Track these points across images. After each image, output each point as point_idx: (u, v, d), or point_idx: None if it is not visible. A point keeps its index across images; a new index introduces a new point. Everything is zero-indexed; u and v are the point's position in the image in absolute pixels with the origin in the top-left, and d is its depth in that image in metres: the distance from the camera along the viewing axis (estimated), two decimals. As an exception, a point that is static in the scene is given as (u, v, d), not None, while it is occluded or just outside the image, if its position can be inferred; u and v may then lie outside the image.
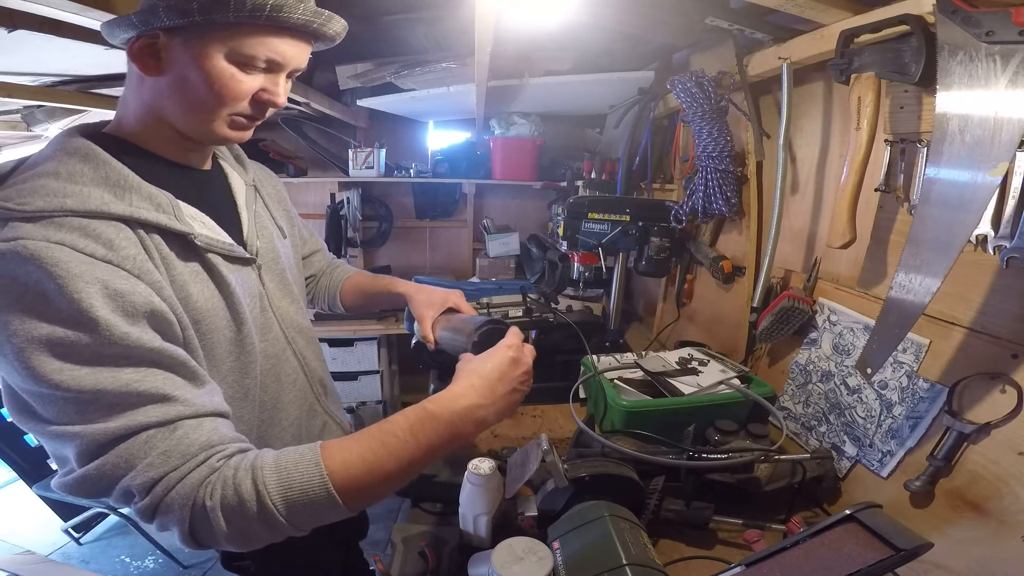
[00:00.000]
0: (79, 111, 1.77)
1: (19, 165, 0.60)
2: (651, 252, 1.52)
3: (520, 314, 1.54)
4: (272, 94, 0.68)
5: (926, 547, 0.60)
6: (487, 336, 0.79)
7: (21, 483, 2.14)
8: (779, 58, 1.10)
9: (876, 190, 0.94)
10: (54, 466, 2.28)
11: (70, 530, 2.20)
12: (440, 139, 2.76)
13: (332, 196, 2.53)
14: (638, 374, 1.22)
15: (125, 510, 2.07)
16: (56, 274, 0.50)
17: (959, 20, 0.68)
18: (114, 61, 1.25)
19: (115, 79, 1.51)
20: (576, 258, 1.60)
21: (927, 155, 0.78)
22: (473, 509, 0.83)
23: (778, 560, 0.65)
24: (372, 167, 2.42)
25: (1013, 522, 0.72)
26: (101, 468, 0.52)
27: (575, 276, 1.63)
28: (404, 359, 2.75)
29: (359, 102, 2.17)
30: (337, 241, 2.48)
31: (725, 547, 0.90)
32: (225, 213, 0.77)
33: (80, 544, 2.23)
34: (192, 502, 0.53)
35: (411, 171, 2.53)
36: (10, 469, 2.14)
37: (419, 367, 1.62)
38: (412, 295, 0.98)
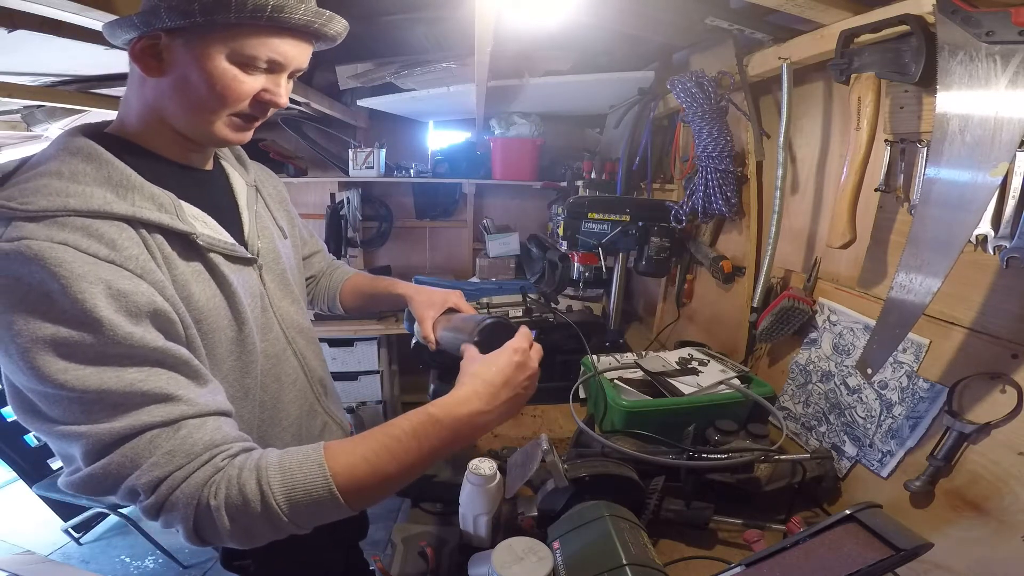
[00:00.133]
0: (79, 111, 1.77)
1: (22, 164, 0.61)
2: (651, 252, 1.52)
3: (520, 314, 1.54)
4: (274, 94, 0.68)
5: (926, 547, 0.60)
6: (488, 334, 0.80)
7: (21, 483, 2.14)
8: (779, 58, 1.10)
9: (876, 190, 0.94)
10: (54, 466, 2.29)
11: (70, 530, 2.20)
12: (440, 139, 2.76)
13: (332, 196, 2.54)
14: (638, 374, 1.22)
15: (126, 509, 2.07)
16: (60, 274, 0.50)
17: (959, 20, 0.68)
18: (114, 61, 1.25)
19: (115, 79, 1.51)
20: (576, 258, 1.60)
21: (927, 155, 0.78)
22: (473, 509, 0.83)
23: (778, 560, 0.65)
24: (372, 167, 2.42)
25: (1013, 522, 0.72)
26: (107, 467, 0.53)
27: (575, 276, 1.63)
28: (404, 359, 2.75)
29: (359, 102, 2.17)
30: (337, 241, 2.48)
31: (725, 547, 0.90)
32: (226, 213, 0.77)
33: (80, 544, 2.23)
34: (197, 501, 0.54)
35: (411, 171, 2.53)
36: (10, 469, 2.14)
37: (419, 367, 1.62)
38: (412, 296, 0.98)
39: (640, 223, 1.51)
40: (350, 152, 2.41)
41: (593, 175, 2.13)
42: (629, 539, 0.72)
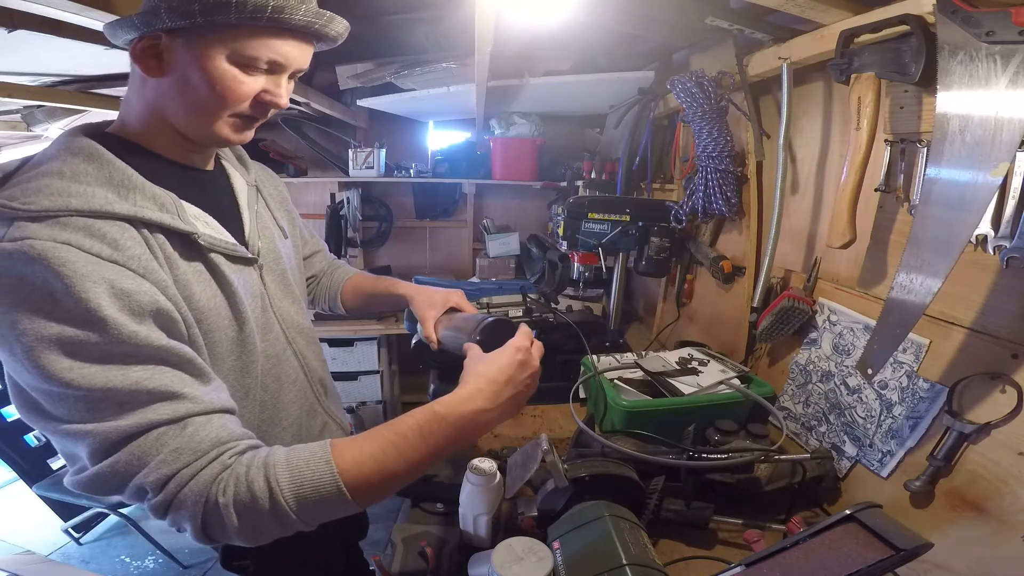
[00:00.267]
0: (79, 111, 1.77)
1: (23, 164, 0.61)
2: (651, 252, 1.52)
3: (520, 314, 1.54)
4: (274, 95, 0.68)
5: (926, 547, 0.60)
6: (490, 333, 0.80)
7: (21, 483, 2.14)
8: (779, 58, 1.10)
9: (876, 190, 0.94)
10: (54, 466, 2.29)
11: (70, 530, 2.20)
12: (440, 139, 2.76)
13: (332, 196, 2.54)
14: (638, 374, 1.22)
15: (126, 509, 2.07)
16: (63, 274, 0.51)
17: (959, 20, 0.68)
18: (114, 61, 1.25)
19: (115, 79, 1.51)
20: (576, 258, 1.60)
21: (927, 155, 0.78)
22: (473, 509, 0.83)
23: (778, 560, 0.65)
24: (372, 167, 2.42)
25: (1013, 522, 0.72)
26: (114, 466, 0.53)
27: (575, 276, 1.63)
28: (404, 359, 2.75)
29: (359, 102, 2.17)
30: (337, 241, 2.48)
31: (725, 547, 0.90)
32: (227, 213, 0.78)
33: (80, 544, 2.23)
34: (205, 499, 0.54)
35: (411, 171, 2.53)
36: (10, 469, 2.14)
37: (419, 367, 1.62)
38: (413, 296, 0.98)
39: (640, 223, 1.51)
40: (350, 152, 2.41)
41: (593, 175, 2.13)
42: (629, 539, 0.72)
